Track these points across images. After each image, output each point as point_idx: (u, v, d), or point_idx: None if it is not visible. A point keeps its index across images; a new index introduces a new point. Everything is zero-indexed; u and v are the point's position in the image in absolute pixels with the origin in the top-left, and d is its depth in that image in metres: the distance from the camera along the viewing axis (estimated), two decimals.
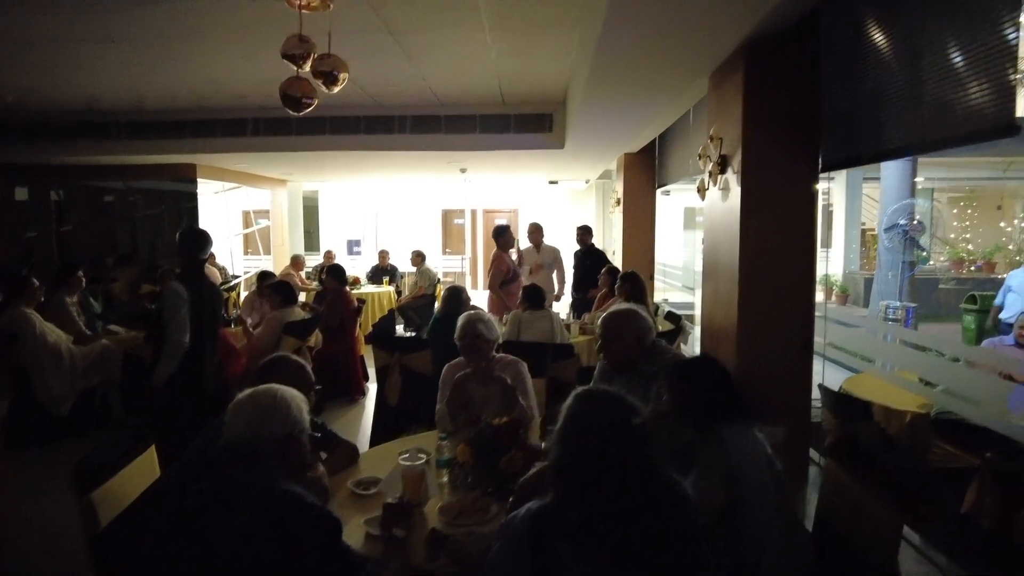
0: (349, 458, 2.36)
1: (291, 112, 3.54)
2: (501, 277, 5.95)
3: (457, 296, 4.42)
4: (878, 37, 2.70)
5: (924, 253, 8.04)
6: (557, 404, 3.44)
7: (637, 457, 1.30)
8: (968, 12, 2.11)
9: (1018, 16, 1.91)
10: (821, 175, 3.30)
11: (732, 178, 3.40)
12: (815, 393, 3.59)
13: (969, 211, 12.37)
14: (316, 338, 5.34)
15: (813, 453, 3.76)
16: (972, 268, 12.69)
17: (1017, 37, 1.89)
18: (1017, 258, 12.24)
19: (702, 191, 3.87)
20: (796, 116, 3.24)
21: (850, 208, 12.41)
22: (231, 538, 1.36)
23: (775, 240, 3.30)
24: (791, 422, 3.44)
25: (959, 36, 2.15)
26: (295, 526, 1.40)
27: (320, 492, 1.94)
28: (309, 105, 3.52)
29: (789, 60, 3.20)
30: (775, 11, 2.76)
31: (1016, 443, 2.68)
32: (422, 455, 2.06)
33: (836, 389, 3.94)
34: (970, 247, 12.34)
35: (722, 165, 3.50)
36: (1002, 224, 12.29)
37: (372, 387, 5.91)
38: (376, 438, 4.40)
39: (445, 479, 2.11)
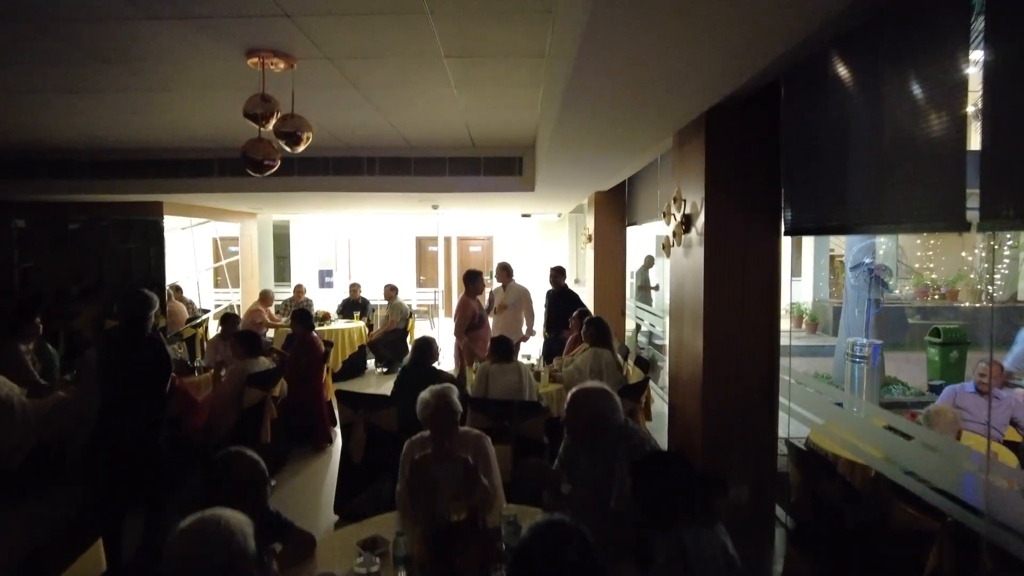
0: (305, 550, 2.29)
1: (253, 174, 3.50)
2: (467, 323, 5.92)
3: (428, 348, 4.39)
4: (833, 112, 2.76)
5: (887, 294, 8.20)
6: (523, 462, 3.37)
7: None
8: (921, 96, 2.15)
9: (962, 109, 1.95)
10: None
11: (696, 238, 3.43)
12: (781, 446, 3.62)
13: (932, 240, 12.67)
14: (281, 387, 5.23)
15: (779, 510, 3.77)
16: (936, 296, 12.98)
17: (963, 135, 1.93)
18: (978, 286, 12.56)
19: (667, 248, 3.89)
20: (758, 180, 3.30)
21: (818, 237, 12.64)
22: None
23: (738, 299, 3.34)
24: (756, 475, 3.49)
25: (912, 123, 2.20)
26: None
27: None
28: (271, 167, 3.49)
29: (751, 126, 3.26)
30: (738, 81, 2.81)
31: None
32: (378, 553, 2.01)
33: (801, 440, 3.96)
34: (934, 275, 12.62)
35: (686, 225, 3.53)
36: (963, 253, 12.60)
37: (339, 431, 5.81)
38: (341, 494, 4.32)
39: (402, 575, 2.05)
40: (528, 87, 4.15)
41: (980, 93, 1.85)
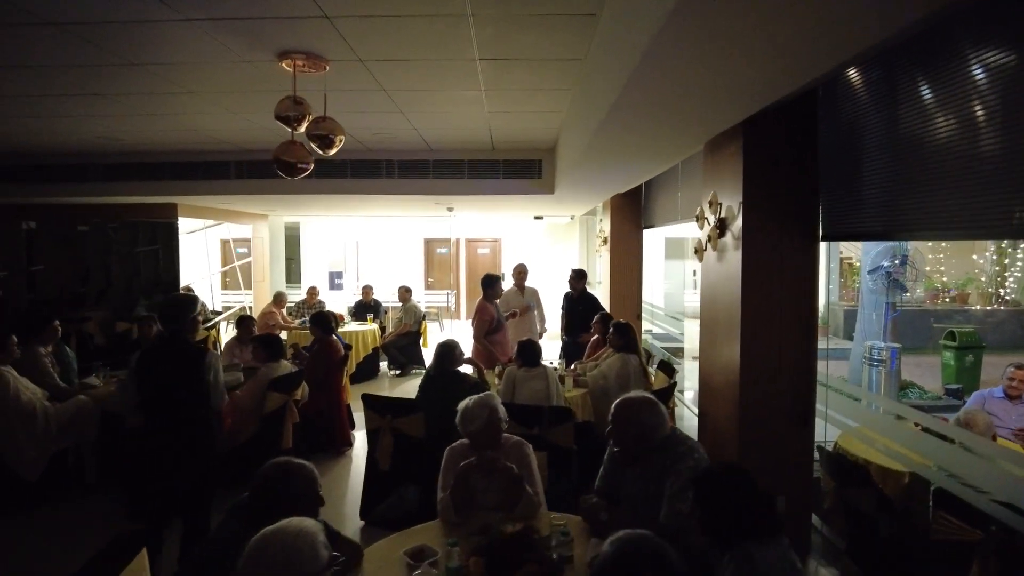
0: (353, 560, 2.25)
1: (285, 177, 3.47)
2: (485, 328, 5.87)
3: (451, 352, 4.32)
4: (876, 117, 2.72)
5: (907, 295, 8.16)
6: (558, 473, 3.32)
7: None
8: (977, 103, 2.12)
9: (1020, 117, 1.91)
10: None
11: (731, 243, 3.40)
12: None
13: (943, 243, 12.64)
14: (303, 391, 5.19)
15: (815, 518, 3.73)
16: (947, 299, 12.96)
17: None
18: (989, 289, 12.53)
19: (700, 252, 3.86)
20: (796, 184, 3.26)
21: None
22: None
23: (776, 306, 3.30)
24: (792, 488, 3.44)
25: (966, 130, 2.16)
26: None
27: None
28: (305, 171, 3.46)
29: (788, 130, 3.23)
30: (775, 92, 2.78)
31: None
32: (428, 562, 1.97)
33: (831, 445, 3.92)
34: (944, 279, 12.59)
35: (721, 229, 3.49)
36: (974, 256, 12.57)
37: (358, 434, 5.77)
38: (367, 502, 4.28)
39: None
40: (557, 91, 4.12)
41: None
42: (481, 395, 2.67)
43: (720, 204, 3.53)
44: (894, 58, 2.53)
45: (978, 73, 2.07)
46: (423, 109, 4.64)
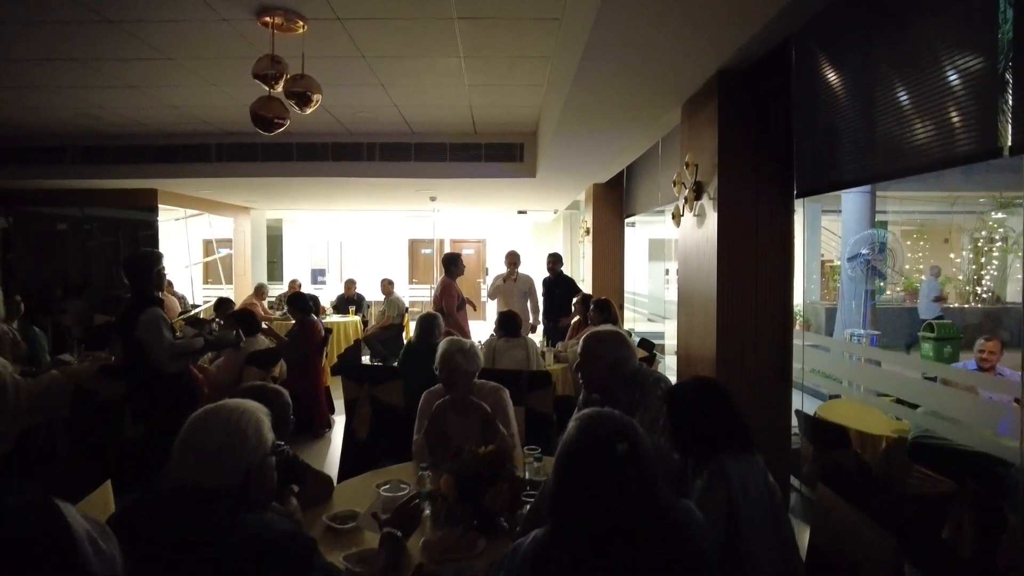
0: (324, 491, 2.22)
1: (261, 132, 3.46)
2: (454, 304, 5.85)
3: (432, 324, 4.30)
4: (849, 64, 2.77)
5: (883, 283, 8.27)
6: (536, 435, 3.32)
7: (636, 480, 1.21)
8: (940, 40, 2.17)
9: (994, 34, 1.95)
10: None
11: (708, 204, 3.42)
12: (793, 420, 3.58)
13: (921, 243, 12.82)
14: (280, 368, 5.13)
15: (793, 479, 3.73)
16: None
17: (995, 61, 1.93)
18: (967, 287, 12.70)
19: (677, 217, 3.88)
20: (770, 143, 3.30)
21: (809, 240, 12.73)
22: None
23: (752, 265, 3.32)
24: (771, 449, 3.44)
25: (930, 64, 2.21)
26: (267, 561, 1.25)
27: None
28: (281, 126, 3.44)
29: (761, 89, 3.27)
30: (748, 42, 2.82)
31: (998, 461, 2.70)
32: (403, 486, 1.95)
33: (812, 415, 3.94)
34: (923, 278, 12.74)
35: (697, 191, 3.52)
36: (951, 255, 12.76)
37: (338, 419, 5.71)
38: (345, 473, 4.21)
39: (427, 512, 1.99)
40: (536, 60, 4.14)
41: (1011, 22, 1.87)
42: (454, 338, 2.66)
43: (696, 166, 3.55)
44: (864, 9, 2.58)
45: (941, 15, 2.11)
46: (403, 82, 4.65)
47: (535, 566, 1.23)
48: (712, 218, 3.35)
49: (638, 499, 1.20)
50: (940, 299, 10.13)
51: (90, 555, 0.96)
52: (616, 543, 1.18)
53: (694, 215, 3.62)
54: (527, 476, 2.14)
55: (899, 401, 3.74)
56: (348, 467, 4.20)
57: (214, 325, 5.47)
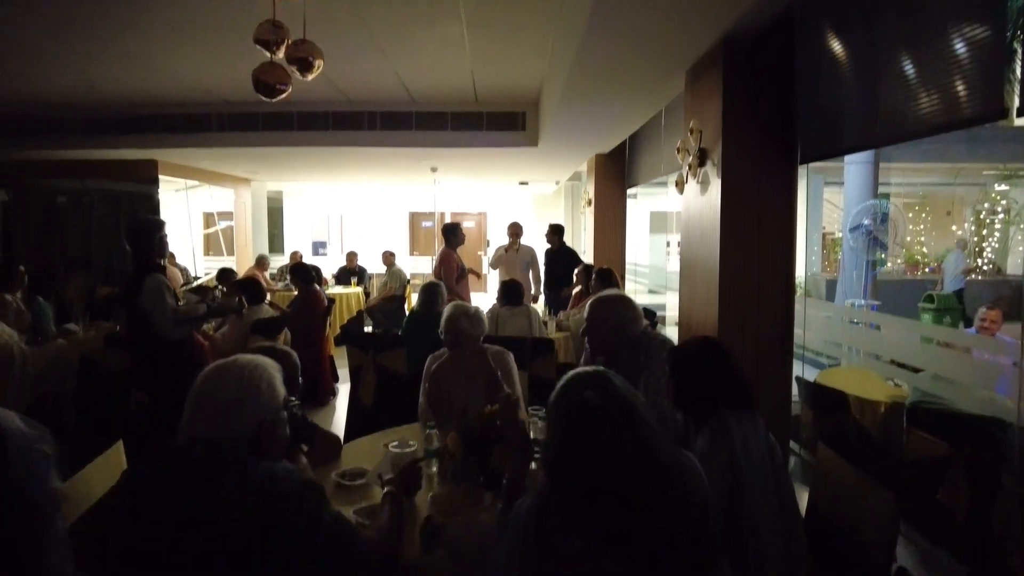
0: (332, 450, 2.26)
1: (264, 98, 3.44)
2: (454, 275, 5.86)
3: (434, 293, 4.33)
4: (851, 30, 2.74)
5: (884, 255, 8.27)
6: (539, 400, 3.37)
7: (633, 436, 1.24)
8: (947, 7, 2.15)
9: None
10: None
11: (711, 171, 3.42)
12: (794, 387, 3.63)
13: (923, 215, 12.78)
14: (285, 337, 5.17)
15: (792, 444, 3.79)
16: (927, 271, 13.11)
17: (1002, 22, 1.92)
18: (968, 260, 12.70)
19: (680, 185, 3.88)
20: (774, 111, 3.28)
21: (811, 212, 12.68)
22: (207, 536, 1.25)
23: (755, 232, 3.32)
24: (771, 416, 3.49)
25: (937, 32, 2.19)
26: (277, 508, 1.29)
27: None
28: (283, 91, 3.41)
29: (766, 55, 3.24)
30: (751, 8, 2.79)
31: (995, 421, 2.75)
32: (411, 443, 1.99)
33: (812, 381, 3.98)
34: (924, 250, 12.74)
35: (701, 158, 3.51)
36: (953, 227, 12.73)
37: (342, 388, 5.77)
38: (351, 438, 4.26)
39: (434, 469, 2.03)
40: (540, 29, 4.09)
41: None
42: (459, 303, 2.69)
43: (700, 132, 3.54)
44: None
45: None
46: (405, 50, 4.60)
47: (539, 531, 1.24)
48: (716, 185, 3.35)
49: (618, 443, 1.22)
50: (969, 271, 10.29)
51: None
52: (606, 491, 1.21)
53: (698, 182, 3.61)
54: (532, 436, 2.17)
55: (900, 365, 3.79)
56: (354, 433, 4.26)
57: (217, 293, 5.49)
